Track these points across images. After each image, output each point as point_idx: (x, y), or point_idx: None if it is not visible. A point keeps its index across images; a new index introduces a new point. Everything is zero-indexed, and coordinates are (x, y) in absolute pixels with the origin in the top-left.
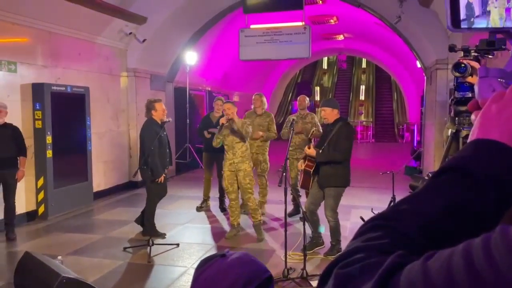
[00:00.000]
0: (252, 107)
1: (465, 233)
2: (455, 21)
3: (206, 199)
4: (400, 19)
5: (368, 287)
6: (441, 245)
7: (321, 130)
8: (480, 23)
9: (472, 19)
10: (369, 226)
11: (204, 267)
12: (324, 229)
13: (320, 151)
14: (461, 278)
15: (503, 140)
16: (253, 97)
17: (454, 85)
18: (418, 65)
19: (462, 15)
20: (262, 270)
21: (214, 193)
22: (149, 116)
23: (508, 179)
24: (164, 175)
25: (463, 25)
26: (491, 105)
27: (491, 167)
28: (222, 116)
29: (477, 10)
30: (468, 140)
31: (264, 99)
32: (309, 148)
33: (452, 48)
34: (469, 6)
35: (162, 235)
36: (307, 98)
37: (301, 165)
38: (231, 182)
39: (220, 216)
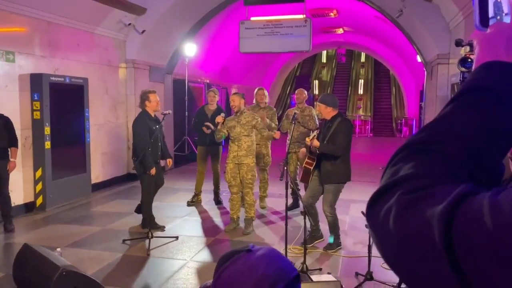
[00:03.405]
0: (254, 100)
1: (501, 153)
2: (484, 19)
3: (197, 193)
4: (402, 13)
5: (437, 212)
6: (484, 167)
7: (317, 123)
8: (508, 21)
9: (499, 17)
10: (411, 151)
11: (228, 262)
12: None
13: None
14: None
15: (509, 59)
16: (256, 92)
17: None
18: (419, 59)
19: (490, 13)
20: (290, 269)
21: (209, 186)
22: (142, 107)
23: None
24: (155, 167)
25: (492, 23)
26: (491, 31)
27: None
28: (216, 108)
29: (505, 8)
30: (474, 66)
31: (267, 93)
32: (311, 140)
33: (459, 43)
34: (496, 4)
35: (161, 228)
36: (305, 92)
37: (303, 152)
38: (234, 176)
39: (218, 209)
